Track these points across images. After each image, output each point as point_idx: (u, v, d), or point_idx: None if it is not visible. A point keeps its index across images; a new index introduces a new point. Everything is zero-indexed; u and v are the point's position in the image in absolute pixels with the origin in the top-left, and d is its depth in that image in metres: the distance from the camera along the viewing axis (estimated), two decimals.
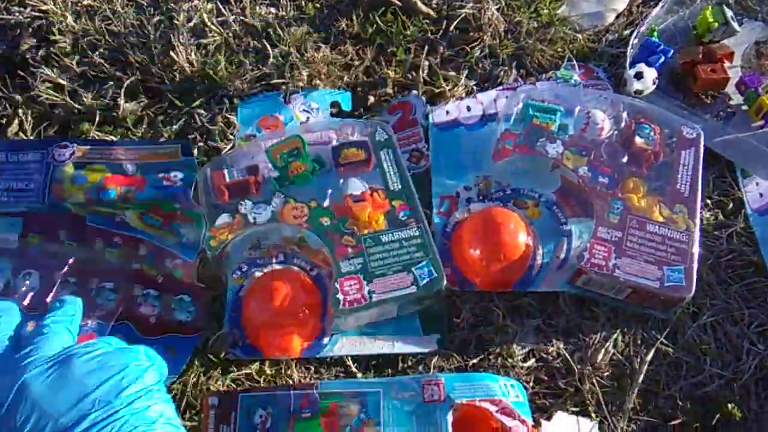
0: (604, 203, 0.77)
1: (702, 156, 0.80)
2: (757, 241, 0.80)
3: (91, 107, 0.90)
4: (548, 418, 0.70)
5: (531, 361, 0.74)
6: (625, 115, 0.83)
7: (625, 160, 0.80)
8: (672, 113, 0.84)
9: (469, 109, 0.90)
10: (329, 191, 0.80)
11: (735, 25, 0.92)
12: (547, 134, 0.81)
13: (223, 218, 0.78)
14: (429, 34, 0.95)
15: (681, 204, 0.77)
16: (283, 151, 0.79)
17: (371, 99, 0.91)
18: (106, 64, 0.94)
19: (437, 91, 0.90)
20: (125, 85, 0.91)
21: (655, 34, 0.92)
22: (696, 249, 0.75)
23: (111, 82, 0.93)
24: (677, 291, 0.72)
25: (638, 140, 0.81)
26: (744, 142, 0.86)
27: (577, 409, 0.71)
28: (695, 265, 0.74)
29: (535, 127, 0.82)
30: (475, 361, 0.74)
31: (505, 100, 0.87)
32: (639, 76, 0.88)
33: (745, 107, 0.88)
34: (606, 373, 0.73)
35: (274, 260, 0.79)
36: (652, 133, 0.81)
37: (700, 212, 0.77)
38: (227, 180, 0.79)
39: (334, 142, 0.83)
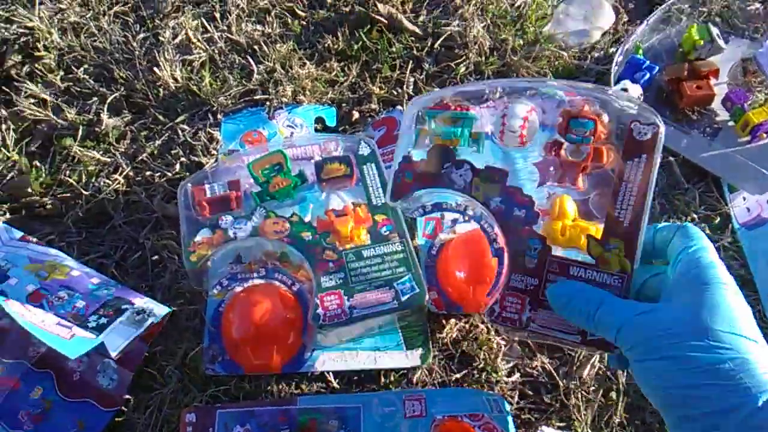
0: (520, 243, 0.59)
1: (656, 166, 0.57)
2: (745, 255, 0.80)
3: (74, 122, 0.90)
4: None
5: (516, 376, 0.72)
6: (555, 107, 0.61)
7: (552, 170, 0.61)
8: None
9: None
10: (311, 206, 0.79)
11: (721, 42, 0.92)
12: (452, 156, 0.62)
13: (203, 233, 0.76)
14: (415, 51, 0.95)
15: (617, 238, 0.56)
16: (265, 166, 0.79)
17: (356, 114, 0.90)
18: (90, 80, 0.94)
19: None
20: (108, 100, 0.91)
21: (641, 51, 0.92)
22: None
23: (95, 98, 0.92)
24: (601, 346, 0.56)
25: (566, 148, 0.60)
26: (730, 158, 0.85)
27: (563, 424, 0.70)
28: None
29: (436, 149, 0.63)
30: (458, 375, 0.72)
31: (406, 118, 0.65)
32: (624, 92, 0.88)
33: (731, 123, 0.88)
34: (592, 388, 0.71)
35: (255, 275, 0.78)
36: (589, 133, 0.59)
37: (639, 248, 0.56)
38: (208, 195, 0.78)
39: (317, 158, 0.82)
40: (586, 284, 0.55)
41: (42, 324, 0.69)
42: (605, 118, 0.59)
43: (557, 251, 0.58)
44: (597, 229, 0.57)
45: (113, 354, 0.69)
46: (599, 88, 0.60)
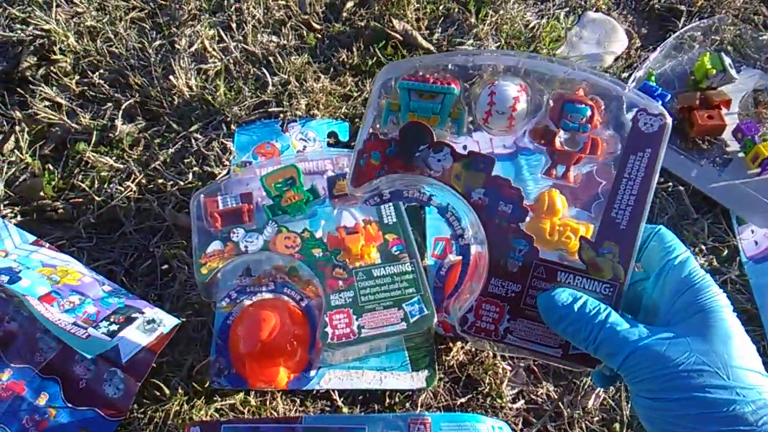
0: (503, 244, 0.52)
1: (660, 161, 0.51)
2: (752, 289, 0.80)
3: (88, 127, 0.90)
4: None
5: (520, 403, 0.73)
6: (548, 89, 0.53)
7: (544, 161, 0.54)
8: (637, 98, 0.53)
9: None
10: (322, 222, 0.79)
11: (733, 72, 0.92)
12: (429, 137, 0.53)
13: (215, 245, 0.77)
14: None
15: (612, 242, 0.50)
16: (278, 180, 0.79)
17: None
18: (105, 85, 0.94)
19: None
20: (123, 106, 0.91)
21: (653, 78, 0.93)
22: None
23: (109, 103, 0.93)
24: (583, 362, 0.51)
25: (560, 135, 0.52)
26: (740, 190, 0.86)
27: None
28: None
29: (411, 128, 0.53)
30: (463, 400, 0.73)
31: (374, 87, 0.55)
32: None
33: (741, 154, 0.88)
34: (596, 418, 0.71)
35: (264, 289, 0.79)
36: (585, 120, 0.52)
37: (635, 254, 0.50)
38: (220, 207, 0.79)
39: (330, 173, 0.82)
40: (587, 294, 0.49)
41: (59, 322, 0.69)
42: (602, 104, 0.52)
43: (542, 254, 0.52)
44: (587, 230, 0.51)
45: (123, 360, 0.69)
46: (600, 72, 0.54)
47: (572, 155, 0.52)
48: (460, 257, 0.75)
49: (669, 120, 0.51)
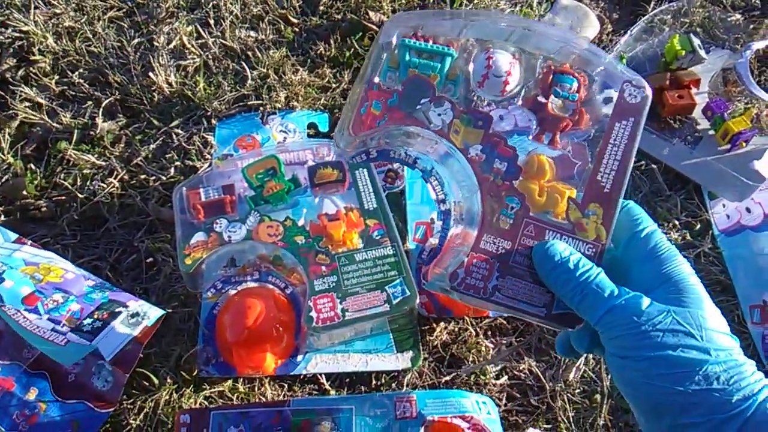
0: (497, 200, 0.54)
1: (640, 130, 0.55)
2: (725, 261, 0.82)
3: (69, 126, 0.91)
4: None
5: (503, 379, 0.74)
6: (539, 61, 0.56)
7: (534, 126, 0.56)
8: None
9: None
10: (304, 210, 0.81)
11: (702, 53, 0.94)
12: (431, 92, 0.54)
13: (198, 236, 0.78)
14: None
15: (596, 204, 0.53)
16: (259, 170, 0.80)
17: None
18: (85, 84, 0.95)
19: None
20: (103, 104, 0.92)
21: (624, 61, 0.95)
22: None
23: (90, 102, 0.93)
24: (564, 322, 0.52)
25: (552, 101, 0.55)
26: (711, 166, 0.88)
27: (550, 426, 0.72)
28: None
29: (414, 81, 0.54)
30: (448, 378, 0.74)
31: (380, 38, 0.56)
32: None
33: (711, 132, 0.91)
34: (577, 390, 0.73)
35: (249, 278, 0.80)
36: (574, 90, 0.55)
37: (616, 216, 0.53)
38: (203, 199, 0.80)
39: (310, 162, 0.84)
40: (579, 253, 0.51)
41: (37, 330, 0.70)
42: (587, 79, 0.55)
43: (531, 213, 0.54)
44: (571, 193, 0.53)
45: (107, 359, 0.70)
46: (590, 49, 0.56)
47: (562, 120, 0.55)
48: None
49: (650, 92, 0.55)
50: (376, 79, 0.54)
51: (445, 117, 0.54)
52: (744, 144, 0.88)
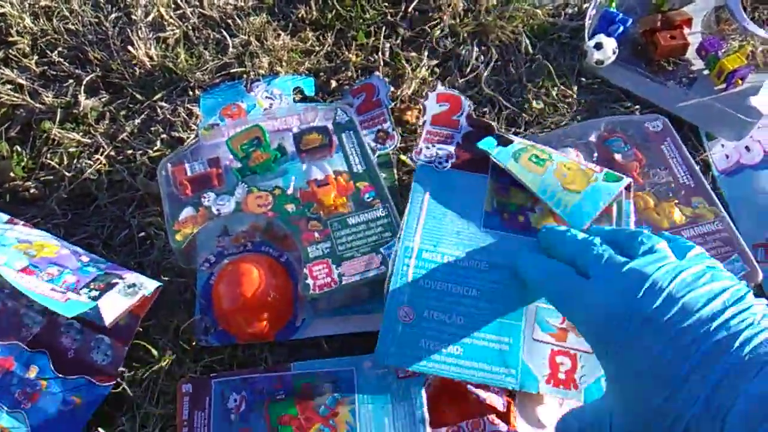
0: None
1: (679, 140, 0.79)
2: (726, 202, 0.81)
3: (52, 106, 0.90)
4: None
5: None
6: (593, 138, 0.80)
7: None
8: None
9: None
10: (293, 178, 0.79)
11: None
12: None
13: (187, 212, 0.77)
14: (389, 17, 0.95)
15: (696, 196, 0.75)
16: (243, 141, 0.79)
17: (333, 83, 0.90)
18: (65, 63, 0.93)
19: (399, 72, 0.90)
20: (84, 82, 0.91)
21: (614, 4, 0.92)
22: (736, 232, 0.73)
23: (71, 80, 0.92)
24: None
25: (617, 157, 0.78)
26: (708, 106, 0.86)
27: None
28: (747, 248, 0.73)
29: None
30: None
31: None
32: (599, 46, 0.88)
33: (706, 72, 0.89)
34: None
35: (242, 249, 0.79)
36: (622, 143, 0.80)
37: (715, 195, 0.75)
38: (189, 174, 0.79)
39: (296, 129, 0.82)
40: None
41: (37, 289, 0.70)
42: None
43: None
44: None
45: (107, 323, 0.69)
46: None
47: (631, 164, 0.78)
48: None
49: (665, 120, 0.83)
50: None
51: None
52: (740, 81, 0.86)
